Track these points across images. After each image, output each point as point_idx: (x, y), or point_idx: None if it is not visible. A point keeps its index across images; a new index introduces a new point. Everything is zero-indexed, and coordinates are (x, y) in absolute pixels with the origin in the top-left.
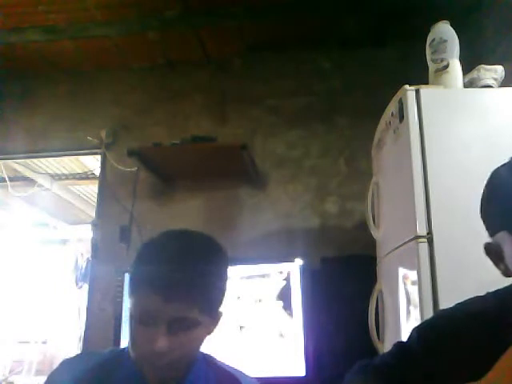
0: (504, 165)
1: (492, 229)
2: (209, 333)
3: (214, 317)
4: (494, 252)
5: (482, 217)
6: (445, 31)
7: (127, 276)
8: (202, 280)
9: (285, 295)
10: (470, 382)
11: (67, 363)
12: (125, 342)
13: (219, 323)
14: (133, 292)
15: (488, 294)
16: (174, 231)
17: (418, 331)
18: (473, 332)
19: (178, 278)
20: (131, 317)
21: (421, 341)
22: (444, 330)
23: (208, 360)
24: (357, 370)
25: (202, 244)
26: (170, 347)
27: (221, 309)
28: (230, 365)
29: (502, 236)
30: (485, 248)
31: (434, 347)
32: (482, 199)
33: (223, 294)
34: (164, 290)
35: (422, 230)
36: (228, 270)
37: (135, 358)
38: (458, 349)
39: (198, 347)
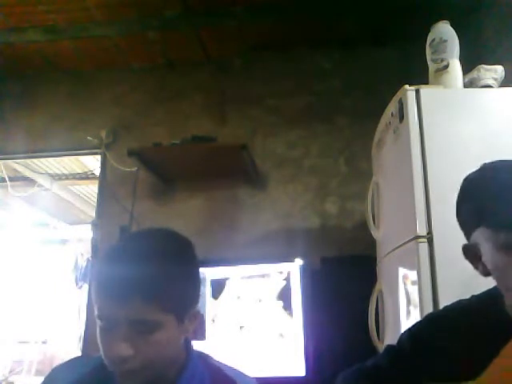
0: (474, 171)
1: (468, 229)
2: (185, 333)
3: (183, 316)
4: (471, 252)
5: (458, 221)
6: (445, 31)
7: None
8: (161, 279)
9: (285, 295)
10: (464, 382)
11: (60, 369)
12: None
13: (197, 322)
14: (94, 298)
15: (473, 296)
16: (140, 232)
17: (408, 334)
18: (461, 327)
19: (131, 280)
20: (97, 322)
21: (411, 342)
22: (433, 330)
23: (204, 360)
24: (348, 374)
25: (163, 244)
26: (132, 352)
27: (194, 307)
28: (228, 364)
29: (478, 234)
30: (463, 250)
31: (424, 347)
32: (456, 204)
33: (193, 293)
34: (118, 293)
35: (421, 230)
36: (197, 269)
37: (106, 364)
38: (447, 347)
39: (170, 349)
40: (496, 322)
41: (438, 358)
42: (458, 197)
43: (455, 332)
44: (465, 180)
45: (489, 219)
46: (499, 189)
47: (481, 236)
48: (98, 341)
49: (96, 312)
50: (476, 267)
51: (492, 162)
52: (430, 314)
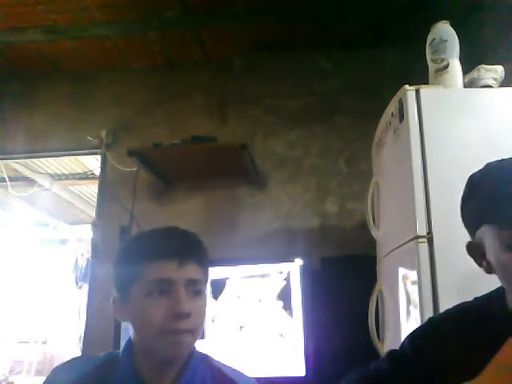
0: (478, 170)
1: (473, 227)
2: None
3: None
4: (476, 249)
5: (462, 219)
6: (445, 31)
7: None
8: (205, 250)
9: (285, 295)
10: (465, 382)
11: (60, 369)
12: (123, 342)
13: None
14: (142, 269)
15: (475, 298)
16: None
17: (410, 339)
18: (462, 331)
19: (191, 246)
20: (141, 295)
21: (413, 346)
22: (434, 334)
23: (205, 360)
24: (351, 378)
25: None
26: (190, 309)
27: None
28: (228, 365)
29: (482, 231)
30: (467, 247)
31: (425, 351)
32: (461, 202)
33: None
34: (178, 254)
35: (421, 230)
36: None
37: (154, 335)
38: (448, 351)
39: (204, 320)
40: (498, 323)
41: (440, 361)
42: (463, 195)
43: (457, 336)
44: (469, 178)
45: (492, 217)
46: (503, 186)
47: (485, 234)
48: (144, 313)
49: (143, 284)
50: (480, 264)
51: (496, 161)
52: (432, 318)
